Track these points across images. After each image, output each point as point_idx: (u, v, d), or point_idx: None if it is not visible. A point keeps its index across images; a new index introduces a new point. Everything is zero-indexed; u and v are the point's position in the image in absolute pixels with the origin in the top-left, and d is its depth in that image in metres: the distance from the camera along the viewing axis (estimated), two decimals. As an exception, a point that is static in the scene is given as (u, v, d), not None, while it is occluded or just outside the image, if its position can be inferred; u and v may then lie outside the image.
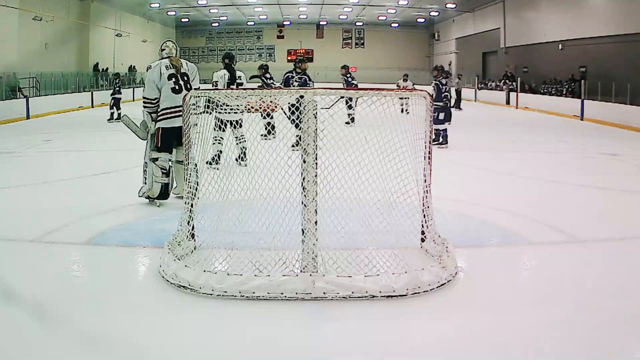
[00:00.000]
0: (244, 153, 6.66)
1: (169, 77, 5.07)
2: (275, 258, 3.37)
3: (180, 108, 4.94)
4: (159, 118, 5.10)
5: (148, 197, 5.18)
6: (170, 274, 3.28)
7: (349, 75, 12.67)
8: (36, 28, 18.94)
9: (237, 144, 6.85)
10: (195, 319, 2.90)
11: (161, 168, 5.09)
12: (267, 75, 11.42)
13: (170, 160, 5.15)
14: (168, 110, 5.07)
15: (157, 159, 5.11)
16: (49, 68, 18.96)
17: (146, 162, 5.18)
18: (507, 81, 22.54)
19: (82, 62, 23.04)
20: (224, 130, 6.56)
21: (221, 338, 2.71)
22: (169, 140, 5.10)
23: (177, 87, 5.08)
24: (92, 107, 19.64)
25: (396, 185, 3.63)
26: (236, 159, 6.67)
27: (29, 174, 7.10)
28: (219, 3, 29.59)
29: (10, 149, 9.05)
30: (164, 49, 5.28)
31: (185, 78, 5.17)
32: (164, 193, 5.16)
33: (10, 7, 16.73)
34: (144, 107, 5.17)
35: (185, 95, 3.81)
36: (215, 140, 6.47)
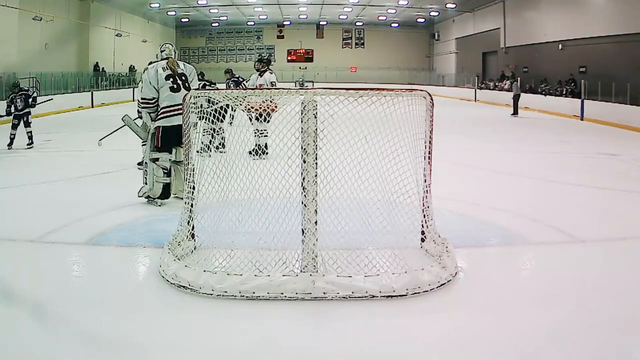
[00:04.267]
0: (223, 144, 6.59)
1: (167, 78, 5.10)
2: (275, 258, 3.38)
3: (180, 106, 4.98)
4: (159, 117, 5.11)
5: (148, 197, 5.18)
6: (170, 274, 3.28)
7: (234, 77, 11.86)
8: (36, 28, 18.94)
9: (217, 134, 6.76)
10: (195, 319, 2.90)
11: (162, 168, 5.10)
12: (235, 78, 11.85)
13: (170, 160, 5.16)
14: (168, 109, 5.08)
15: (157, 159, 5.12)
16: (49, 68, 18.96)
17: (146, 163, 5.19)
18: (506, 81, 22.56)
19: (82, 62, 23.05)
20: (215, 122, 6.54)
21: (221, 338, 2.71)
22: (168, 139, 5.11)
23: (175, 87, 5.10)
24: (92, 107, 19.65)
25: (396, 185, 3.63)
26: (216, 147, 6.62)
27: (29, 174, 7.10)
28: (219, 3, 29.58)
29: (10, 149, 9.04)
30: (164, 50, 5.30)
31: (183, 78, 5.19)
32: (165, 193, 5.17)
33: (10, 7, 16.72)
34: (143, 107, 5.21)
35: (185, 95, 3.82)
36: (205, 132, 6.45)
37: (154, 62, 5.38)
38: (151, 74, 5.11)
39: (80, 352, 2.54)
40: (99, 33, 24.23)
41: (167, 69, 5.13)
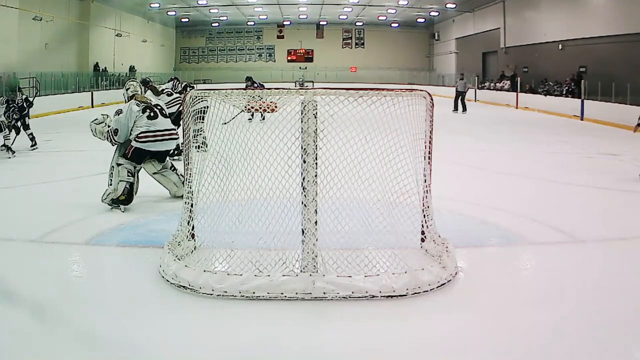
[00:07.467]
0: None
1: (143, 111, 5.18)
2: (275, 258, 3.38)
3: (159, 132, 5.16)
4: (139, 140, 5.13)
5: (112, 202, 5.02)
6: (170, 274, 3.28)
7: (255, 83, 13.48)
8: (36, 28, 18.93)
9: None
10: (195, 319, 2.90)
11: (127, 169, 5.08)
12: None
13: (135, 167, 5.16)
14: (144, 134, 5.14)
15: (121, 164, 5.10)
16: (49, 68, 18.95)
17: (112, 166, 5.14)
18: (505, 81, 22.57)
19: (82, 62, 23.03)
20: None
21: (221, 338, 2.71)
22: (139, 157, 5.18)
23: (152, 114, 5.20)
24: (92, 107, 19.64)
25: (396, 185, 3.63)
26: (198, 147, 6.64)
27: (29, 174, 7.10)
28: (219, 3, 29.55)
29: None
30: (129, 88, 5.44)
31: (159, 107, 5.32)
32: (128, 195, 5.04)
33: (10, 7, 16.71)
34: (110, 138, 5.21)
35: (185, 94, 3.83)
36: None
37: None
38: (126, 115, 5.13)
39: (80, 352, 2.54)
40: (99, 33, 24.21)
41: (141, 103, 5.22)
